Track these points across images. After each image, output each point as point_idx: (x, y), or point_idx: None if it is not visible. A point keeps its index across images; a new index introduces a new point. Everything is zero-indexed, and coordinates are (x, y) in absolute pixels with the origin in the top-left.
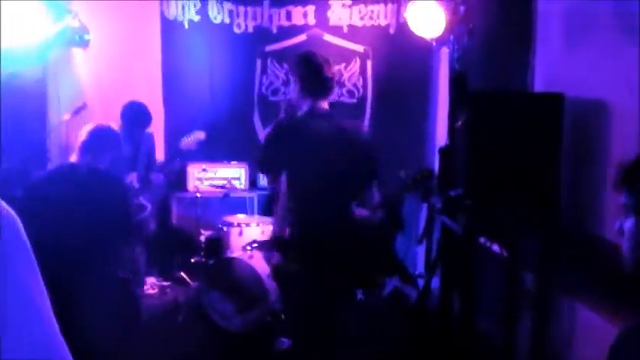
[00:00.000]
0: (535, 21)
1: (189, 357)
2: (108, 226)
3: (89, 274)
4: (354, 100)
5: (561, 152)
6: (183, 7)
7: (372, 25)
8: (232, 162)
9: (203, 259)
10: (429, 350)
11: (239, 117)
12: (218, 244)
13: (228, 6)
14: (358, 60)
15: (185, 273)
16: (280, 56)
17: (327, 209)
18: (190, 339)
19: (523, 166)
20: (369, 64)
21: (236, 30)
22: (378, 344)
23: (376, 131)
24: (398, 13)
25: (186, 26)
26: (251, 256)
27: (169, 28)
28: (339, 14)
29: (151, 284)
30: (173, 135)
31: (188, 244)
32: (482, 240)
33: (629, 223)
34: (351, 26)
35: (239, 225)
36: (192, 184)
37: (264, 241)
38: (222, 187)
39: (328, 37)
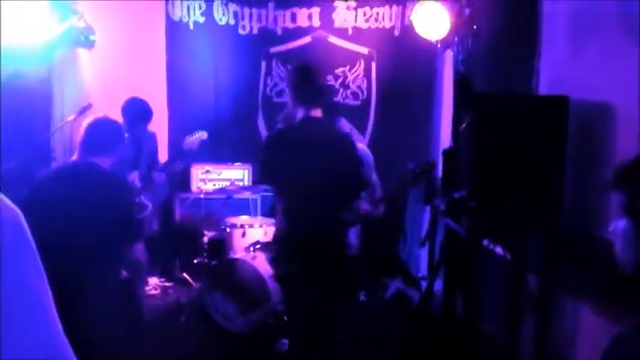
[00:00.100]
0: (540, 23)
1: (191, 357)
2: (109, 226)
3: (91, 274)
4: (359, 102)
5: (565, 155)
6: (188, 9)
7: (377, 27)
8: (236, 163)
9: (206, 260)
10: (431, 352)
11: (243, 118)
12: (221, 245)
13: (233, 7)
14: (363, 62)
15: (188, 274)
16: (285, 58)
17: (316, 216)
18: (193, 339)
19: (527, 168)
20: (373, 66)
21: (241, 31)
22: (380, 346)
23: (380, 133)
24: (403, 15)
25: (191, 27)
26: (254, 257)
27: (174, 29)
28: (344, 16)
29: (154, 285)
30: (177, 136)
31: (191, 244)
32: (485, 242)
33: (621, 223)
34: (355, 28)
35: (242, 226)
36: (195, 185)
37: (267, 242)
38: (225, 188)
39: (333, 39)
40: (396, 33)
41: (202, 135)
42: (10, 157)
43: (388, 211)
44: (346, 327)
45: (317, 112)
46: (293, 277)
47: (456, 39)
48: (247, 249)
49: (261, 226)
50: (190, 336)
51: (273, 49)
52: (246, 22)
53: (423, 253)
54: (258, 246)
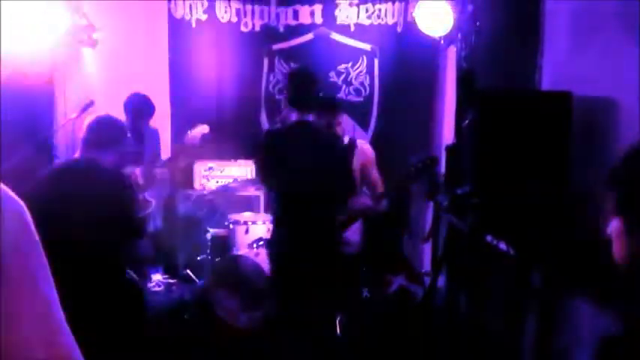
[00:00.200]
0: (543, 18)
1: (195, 354)
2: (110, 223)
3: (93, 271)
4: (361, 99)
5: (569, 150)
6: (190, 6)
7: (380, 23)
8: (239, 160)
9: (209, 257)
10: (434, 349)
11: (246, 115)
12: (224, 242)
13: (235, 5)
14: (365, 59)
15: (191, 270)
16: (287, 55)
17: (301, 217)
18: (196, 336)
19: (530, 164)
20: (376, 62)
21: (243, 29)
22: (383, 342)
23: (383, 129)
24: (405, 11)
25: (194, 25)
26: (257, 254)
27: (177, 26)
28: (347, 13)
29: (157, 281)
30: (180, 132)
31: (194, 241)
32: (489, 238)
33: (614, 224)
34: (358, 25)
35: (245, 223)
36: (198, 182)
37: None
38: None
39: (335, 36)
40: (399, 29)
41: (204, 129)
42: (12, 155)
43: (391, 207)
44: (349, 323)
45: (310, 116)
46: (277, 279)
47: (458, 35)
48: (250, 245)
49: (264, 222)
50: (194, 333)
51: (276, 46)
52: (248, 19)
53: (427, 249)
54: (261, 242)
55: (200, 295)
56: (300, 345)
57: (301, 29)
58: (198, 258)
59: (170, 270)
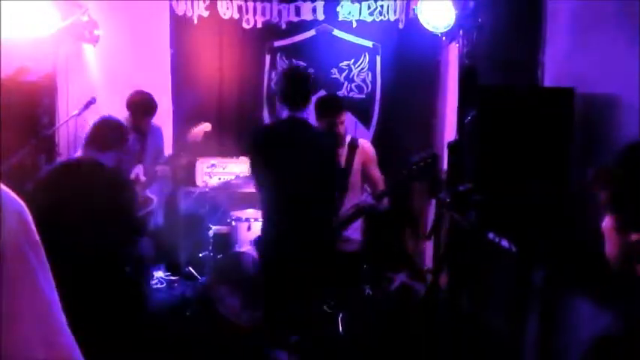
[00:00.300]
0: (545, 15)
1: (197, 351)
2: (110, 221)
3: (94, 269)
4: (363, 96)
5: (571, 147)
6: (192, 3)
7: (382, 20)
8: (241, 157)
9: (211, 254)
10: (436, 346)
11: (248, 112)
12: (226, 239)
13: (237, 1)
14: (367, 55)
15: (193, 268)
16: (289, 52)
17: (290, 217)
18: (198, 333)
19: (532, 161)
20: (378, 59)
21: (245, 25)
22: (385, 340)
23: (385, 126)
24: (407, 8)
25: (196, 22)
26: None
27: (179, 23)
28: (348, 9)
29: (159, 279)
30: (182, 130)
31: (196, 238)
32: (491, 235)
33: (606, 221)
34: (360, 21)
35: (247, 220)
36: (200, 179)
37: None
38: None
39: (337, 33)
40: (401, 26)
41: (206, 126)
42: (15, 152)
43: (393, 205)
44: (351, 321)
45: (300, 115)
46: (266, 279)
47: (460, 32)
48: (252, 242)
49: None
50: (196, 330)
51: (278, 43)
52: (250, 15)
53: (429, 246)
54: None
55: (202, 292)
56: (300, 345)
57: (303, 26)
58: (200, 255)
59: (172, 267)
